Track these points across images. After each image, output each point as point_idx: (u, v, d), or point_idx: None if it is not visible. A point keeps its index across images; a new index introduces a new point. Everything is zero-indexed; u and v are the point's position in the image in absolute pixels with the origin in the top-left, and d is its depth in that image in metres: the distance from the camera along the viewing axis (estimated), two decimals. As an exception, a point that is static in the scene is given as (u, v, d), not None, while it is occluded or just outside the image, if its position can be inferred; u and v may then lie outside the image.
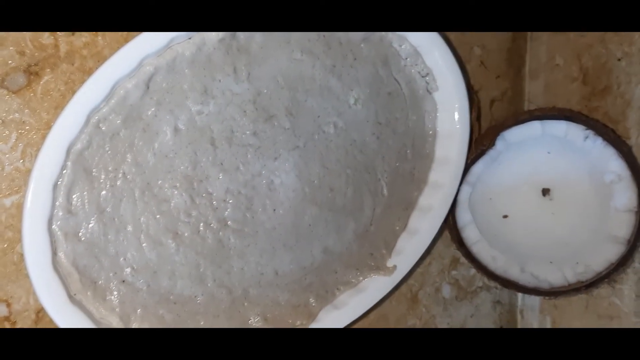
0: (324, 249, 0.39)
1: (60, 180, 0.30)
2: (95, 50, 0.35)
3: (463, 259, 0.48)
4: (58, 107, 0.34)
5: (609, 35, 0.46)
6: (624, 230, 0.43)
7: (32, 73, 0.33)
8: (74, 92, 0.34)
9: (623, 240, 0.43)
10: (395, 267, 0.40)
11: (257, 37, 0.34)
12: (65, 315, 0.31)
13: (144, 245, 0.33)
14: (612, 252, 0.43)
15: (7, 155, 0.33)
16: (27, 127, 0.33)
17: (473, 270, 0.50)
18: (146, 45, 0.30)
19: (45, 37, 0.33)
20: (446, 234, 0.47)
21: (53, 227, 0.30)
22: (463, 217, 0.45)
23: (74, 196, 0.30)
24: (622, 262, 0.43)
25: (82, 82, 0.34)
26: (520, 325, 0.53)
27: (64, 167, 0.30)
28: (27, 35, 0.33)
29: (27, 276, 0.32)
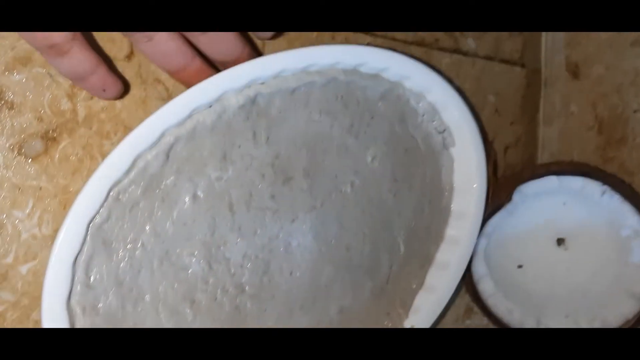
0: (340, 308, 0.39)
1: (80, 255, 0.29)
2: (113, 114, 0.34)
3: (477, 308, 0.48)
4: (76, 172, 0.33)
5: (625, 86, 0.46)
6: (642, 286, 0.43)
7: (49, 139, 0.33)
8: (91, 157, 0.34)
9: (641, 297, 0.43)
10: (412, 328, 0.40)
11: (277, 101, 0.34)
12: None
13: (161, 315, 0.32)
14: (629, 309, 0.43)
15: (24, 223, 0.33)
16: (44, 194, 0.33)
17: (486, 319, 0.49)
18: (168, 116, 0.30)
19: (64, 102, 0.33)
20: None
21: (71, 302, 0.29)
22: (478, 269, 0.45)
23: (92, 269, 0.30)
24: (640, 319, 0.43)
25: (100, 145, 0.34)
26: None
27: (83, 242, 0.29)
28: (45, 101, 0.32)
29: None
